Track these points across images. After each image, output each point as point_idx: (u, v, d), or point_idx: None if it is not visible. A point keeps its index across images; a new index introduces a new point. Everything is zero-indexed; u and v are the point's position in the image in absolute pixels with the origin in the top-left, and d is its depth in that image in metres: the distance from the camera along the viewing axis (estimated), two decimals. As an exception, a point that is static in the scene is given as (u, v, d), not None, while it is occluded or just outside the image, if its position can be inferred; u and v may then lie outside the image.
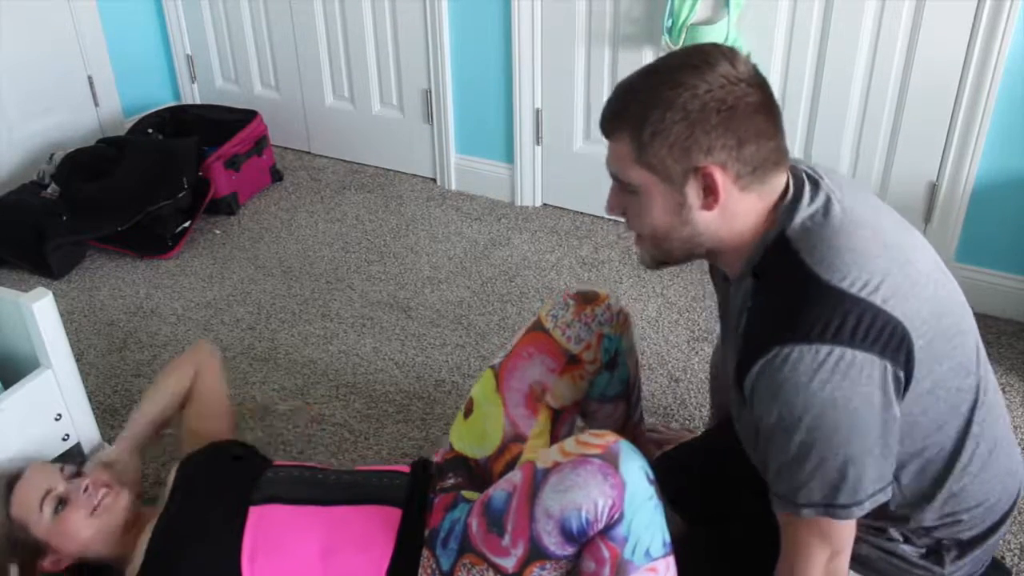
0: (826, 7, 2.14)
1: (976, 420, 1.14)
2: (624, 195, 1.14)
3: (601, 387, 1.49)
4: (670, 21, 2.21)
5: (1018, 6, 1.92)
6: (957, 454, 1.14)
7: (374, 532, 1.31)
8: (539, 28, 2.53)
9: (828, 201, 1.11)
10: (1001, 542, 1.55)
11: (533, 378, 1.43)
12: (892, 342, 1.02)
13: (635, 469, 1.12)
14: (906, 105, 2.14)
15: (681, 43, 2.22)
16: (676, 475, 1.48)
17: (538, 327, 1.45)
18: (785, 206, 1.11)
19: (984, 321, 2.17)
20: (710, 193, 1.08)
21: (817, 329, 1.01)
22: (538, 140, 2.71)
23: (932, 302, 1.08)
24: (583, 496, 1.10)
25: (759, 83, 1.07)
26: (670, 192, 1.09)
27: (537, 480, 1.14)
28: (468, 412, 1.48)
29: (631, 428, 1.59)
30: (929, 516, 1.17)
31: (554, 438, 1.44)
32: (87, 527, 1.36)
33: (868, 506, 1.07)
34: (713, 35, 2.18)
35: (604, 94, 2.54)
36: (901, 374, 1.04)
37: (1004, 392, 1.96)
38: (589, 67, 2.52)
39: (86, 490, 1.37)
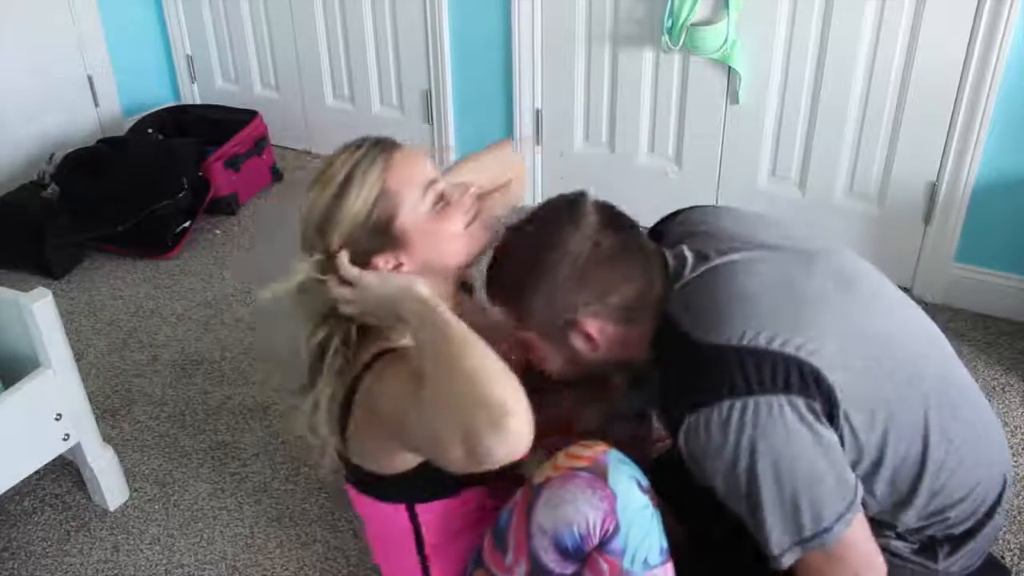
0: (826, 7, 2.14)
1: (935, 420, 1.13)
2: (522, 347, 1.23)
3: (625, 404, 1.48)
4: (670, 21, 2.21)
5: (1018, 6, 1.92)
6: (926, 457, 1.14)
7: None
8: (539, 28, 2.53)
9: (704, 265, 1.16)
10: (1001, 542, 1.54)
11: (560, 403, 1.41)
12: (791, 377, 1.05)
13: (625, 479, 1.11)
14: (906, 105, 2.14)
15: (681, 43, 2.22)
16: (675, 479, 1.48)
17: None
18: (666, 294, 1.17)
19: (984, 321, 2.18)
20: (590, 340, 1.16)
21: (712, 390, 1.05)
22: (538, 140, 2.71)
23: (838, 326, 1.10)
24: (573, 511, 1.09)
25: (606, 228, 1.15)
26: (556, 345, 1.19)
27: (532, 496, 1.14)
28: None
29: (640, 439, 1.59)
30: (912, 517, 1.17)
31: None
32: (458, 238, 1.17)
33: (839, 528, 1.08)
34: (713, 35, 2.18)
35: (604, 94, 2.55)
36: (816, 404, 1.06)
37: (1004, 392, 1.96)
38: (589, 67, 2.52)
39: (467, 198, 1.19)
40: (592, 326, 1.15)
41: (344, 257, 1.12)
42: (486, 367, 0.95)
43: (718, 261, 1.16)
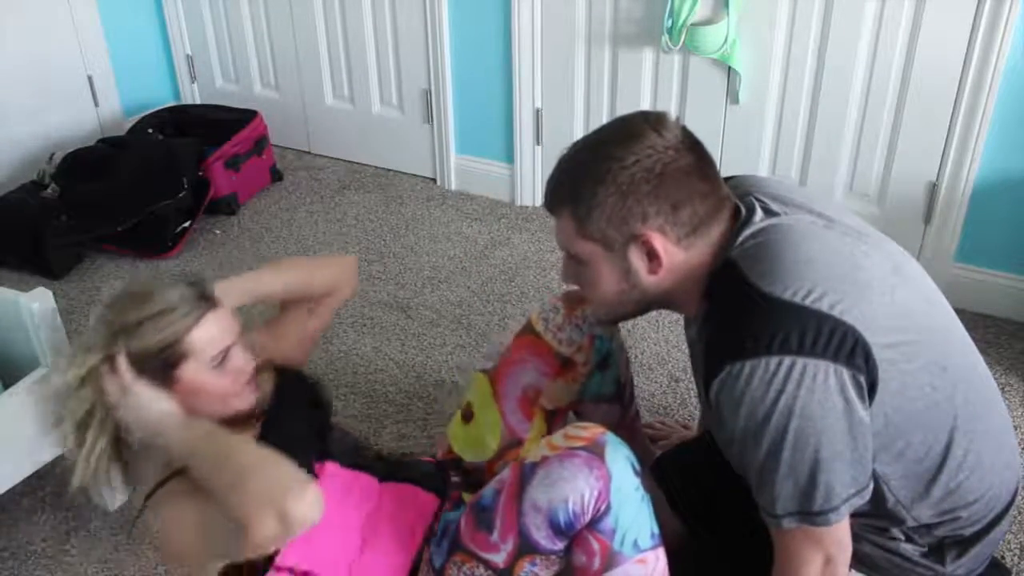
0: (826, 7, 2.14)
1: (962, 416, 1.14)
2: (575, 266, 1.21)
3: (595, 389, 1.50)
4: (670, 21, 2.21)
5: (1018, 6, 1.92)
6: (947, 452, 1.14)
7: (411, 518, 1.31)
8: (539, 28, 2.53)
9: (772, 220, 1.14)
10: (1001, 542, 1.55)
11: (527, 382, 1.43)
12: (844, 347, 1.03)
13: (621, 460, 1.13)
14: (906, 105, 2.14)
15: (681, 43, 2.22)
16: (676, 476, 1.49)
17: (530, 331, 1.45)
18: (731, 237, 1.14)
19: (984, 321, 2.18)
20: (653, 258, 1.13)
21: (764, 342, 1.03)
22: (538, 140, 2.71)
23: (889, 305, 1.09)
24: (570, 488, 1.11)
25: (688, 146, 1.13)
26: (615, 260, 1.15)
27: (525, 475, 1.15)
28: (467, 417, 1.49)
29: (626, 426, 1.60)
30: (926, 513, 1.17)
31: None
32: (223, 398, 1.27)
33: (845, 510, 1.08)
34: (713, 35, 2.18)
35: (604, 94, 2.55)
36: (862, 378, 1.05)
37: (1004, 392, 1.96)
38: (589, 67, 2.52)
39: (246, 368, 1.28)
40: (658, 241, 1.11)
41: (123, 360, 1.20)
42: (268, 457, 1.11)
43: (788, 220, 1.14)
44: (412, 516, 1.31)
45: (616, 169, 1.10)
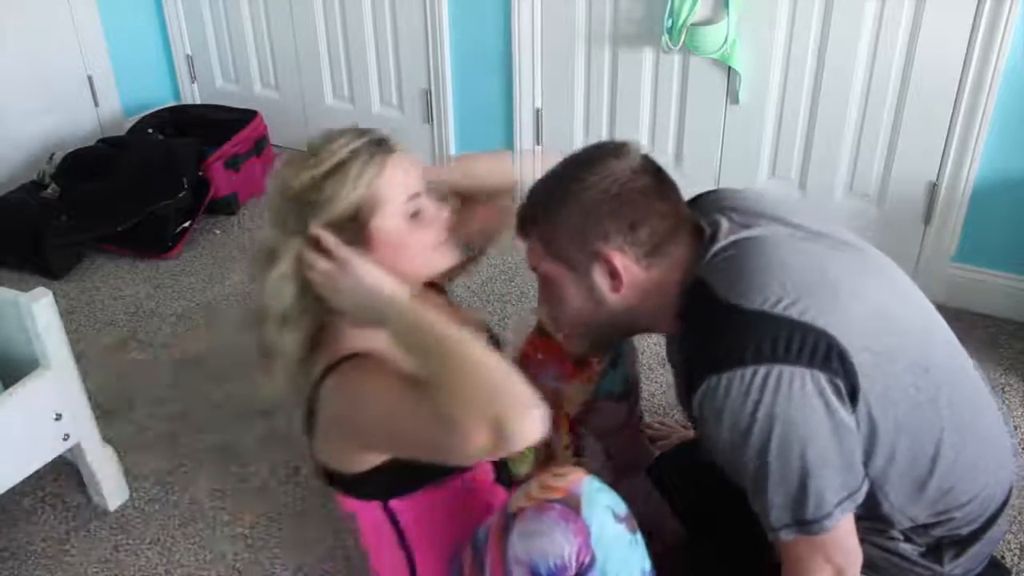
0: (826, 7, 2.14)
1: (949, 418, 1.14)
2: (545, 287, 1.24)
3: (607, 387, 1.50)
4: (670, 21, 2.21)
5: (1018, 6, 1.92)
6: (937, 454, 1.14)
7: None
8: (539, 28, 2.53)
9: (742, 233, 1.16)
10: (1001, 542, 1.55)
11: (545, 383, 1.43)
12: (818, 352, 1.04)
13: (600, 511, 1.08)
14: (906, 105, 2.14)
15: (681, 43, 2.22)
16: (676, 476, 1.49)
17: (542, 332, 1.45)
18: (699, 255, 1.16)
19: (983, 321, 2.18)
20: (615, 276, 1.15)
21: (737, 353, 1.05)
22: (538, 140, 2.71)
23: (865, 309, 1.10)
24: (548, 543, 1.06)
25: (647, 169, 1.17)
26: (579, 279, 1.18)
27: (507, 525, 1.11)
28: None
29: (630, 426, 1.59)
30: (921, 514, 1.18)
31: (571, 447, 1.46)
32: (423, 253, 1.17)
33: (839, 515, 1.08)
34: (713, 35, 2.18)
35: (604, 94, 2.55)
36: (840, 382, 1.05)
37: (1004, 392, 1.96)
38: (589, 67, 2.52)
39: (441, 216, 1.18)
40: (618, 260, 1.14)
41: (326, 234, 1.10)
42: (497, 360, 0.98)
43: (755, 232, 1.16)
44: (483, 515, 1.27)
45: (577, 190, 1.15)
